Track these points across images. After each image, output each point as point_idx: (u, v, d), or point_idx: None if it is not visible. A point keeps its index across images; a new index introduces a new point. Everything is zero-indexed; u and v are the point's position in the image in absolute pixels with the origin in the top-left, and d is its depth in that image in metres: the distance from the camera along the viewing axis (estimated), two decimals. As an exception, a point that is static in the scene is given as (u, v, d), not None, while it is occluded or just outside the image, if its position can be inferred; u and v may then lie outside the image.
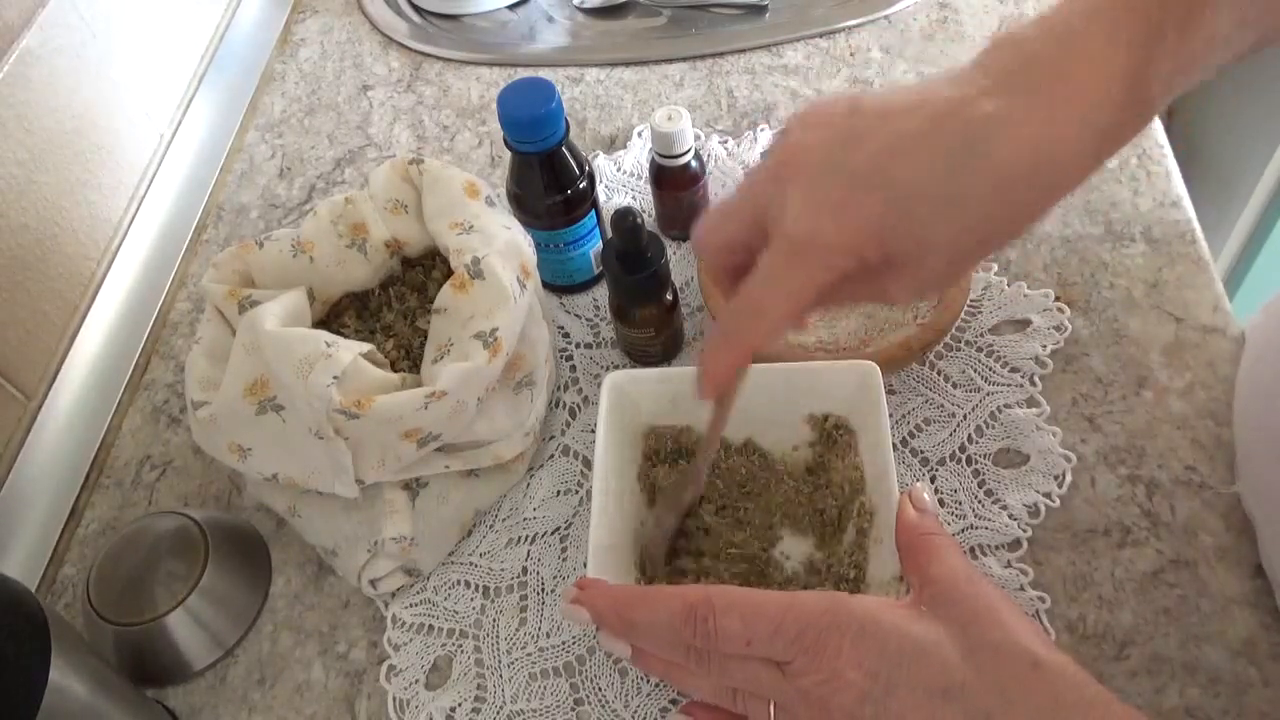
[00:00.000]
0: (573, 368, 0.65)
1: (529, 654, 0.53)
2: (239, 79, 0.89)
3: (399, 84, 0.87)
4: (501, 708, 0.52)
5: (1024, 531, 0.53)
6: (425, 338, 0.56)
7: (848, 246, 0.37)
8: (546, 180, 0.61)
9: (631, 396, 0.54)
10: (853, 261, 0.38)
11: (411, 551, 0.55)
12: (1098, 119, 0.35)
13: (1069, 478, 0.55)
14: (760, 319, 0.40)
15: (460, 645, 0.54)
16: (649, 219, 0.71)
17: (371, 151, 0.82)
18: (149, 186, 0.77)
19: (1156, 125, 0.71)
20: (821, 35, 0.83)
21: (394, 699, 0.53)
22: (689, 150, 0.65)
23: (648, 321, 0.60)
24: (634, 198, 0.74)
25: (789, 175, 0.39)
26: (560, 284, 0.68)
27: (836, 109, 0.39)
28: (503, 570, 0.57)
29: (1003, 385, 0.59)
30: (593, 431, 0.55)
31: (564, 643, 0.53)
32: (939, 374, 0.60)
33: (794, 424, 0.55)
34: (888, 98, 0.38)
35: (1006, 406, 0.58)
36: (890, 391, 0.59)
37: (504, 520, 0.59)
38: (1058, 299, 0.62)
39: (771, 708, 0.39)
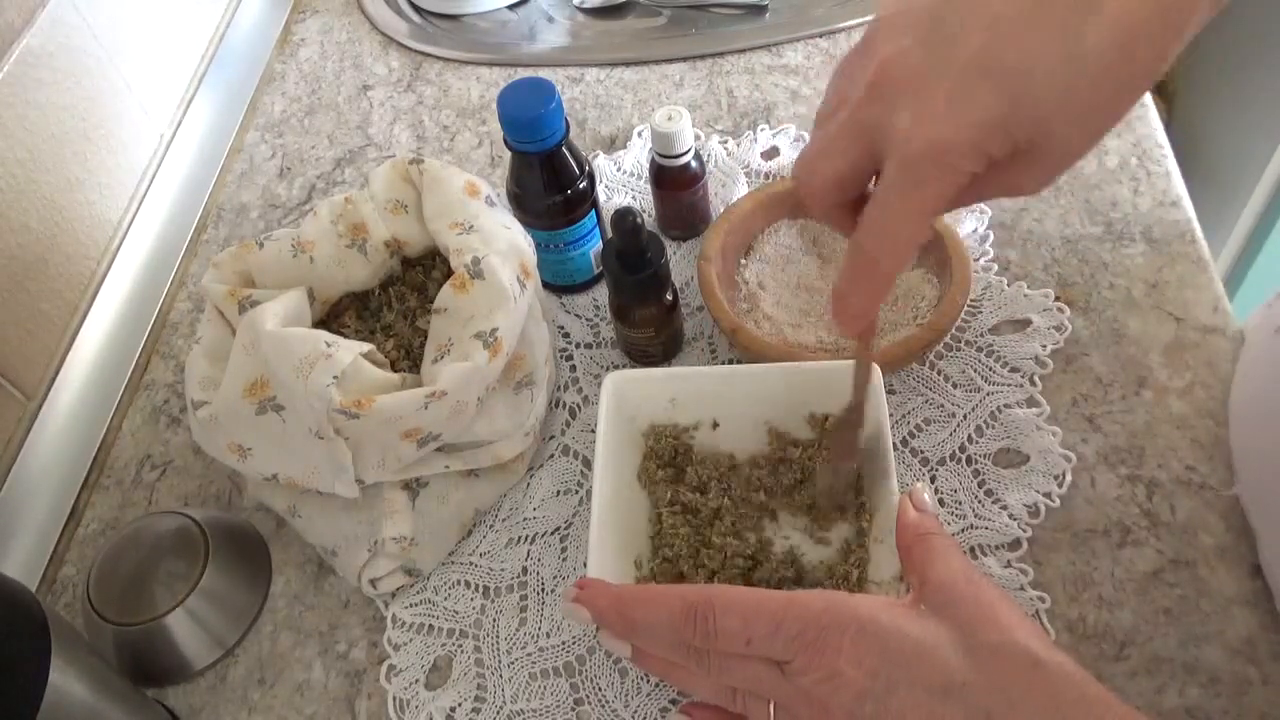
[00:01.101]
0: (573, 368, 0.65)
1: (529, 654, 0.53)
2: (239, 79, 0.89)
3: (399, 84, 0.87)
4: (501, 708, 0.52)
5: (1024, 531, 0.53)
6: (425, 338, 0.56)
7: (972, 146, 0.35)
8: (546, 180, 0.61)
9: (631, 396, 0.54)
10: (980, 162, 0.36)
11: (411, 551, 0.55)
12: None
13: (1069, 478, 0.55)
14: (894, 241, 0.38)
15: (460, 645, 0.54)
16: (649, 219, 0.71)
17: (371, 151, 0.82)
18: (149, 186, 0.77)
19: (1156, 125, 0.71)
20: (821, 35, 0.83)
21: (394, 699, 0.53)
22: (689, 150, 0.65)
23: (648, 321, 0.60)
24: (634, 198, 0.74)
25: (891, 88, 0.36)
26: (560, 284, 0.68)
27: (917, 8, 0.36)
28: (503, 570, 0.57)
29: (1003, 385, 0.59)
30: (593, 431, 0.55)
31: (564, 643, 0.53)
32: (939, 374, 0.60)
33: (793, 424, 0.55)
34: None
35: (1006, 406, 0.58)
36: (890, 391, 0.59)
37: (504, 520, 0.59)
38: (1058, 299, 0.62)
39: (771, 707, 0.39)
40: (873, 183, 0.40)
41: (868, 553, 0.50)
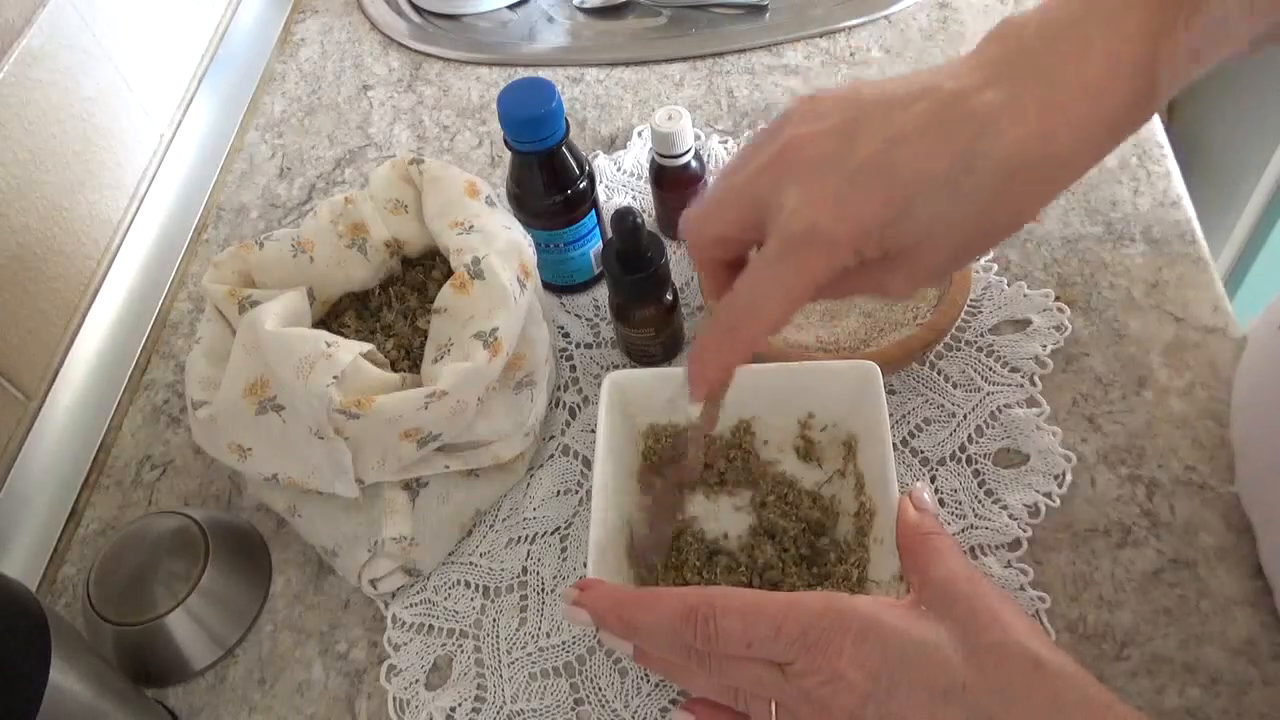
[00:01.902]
0: (573, 368, 0.65)
1: (529, 654, 0.53)
2: (239, 79, 0.89)
3: (399, 84, 0.87)
4: (501, 708, 0.52)
5: (1024, 531, 0.53)
6: (425, 338, 0.56)
7: (848, 241, 0.37)
8: (546, 180, 0.61)
9: (631, 396, 0.54)
10: (852, 257, 0.37)
11: (411, 551, 0.55)
12: (1102, 111, 0.35)
13: (1069, 478, 0.55)
14: (756, 316, 0.39)
15: (460, 645, 0.54)
16: (649, 219, 0.71)
17: (371, 151, 0.82)
18: (149, 186, 0.77)
19: (1156, 125, 0.71)
20: (821, 35, 0.83)
21: (394, 699, 0.53)
22: (689, 150, 0.65)
23: (648, 321, 0.60)
24: (634, 198, 0.74)
25: (787, 169, 0.38)
26: (560, 284, 0.68)
27: (834, 101, 0.38)
28: (503, 570, 0.57)
29: (1003, 385, 0.59)
30: (593, 431, 0.55)
31: (564, 643, 0.53)
32: (939, 374, 0.60)
33: (793, 424, 0.55)
34: (886, 88, 0.38)
35: (1006, 406, 0.58)
36: (890, 391, 0.59)
37: (504, 520, 0.59)
38: (1058, 299, 0.62)
39: (773, 707, 0.39)
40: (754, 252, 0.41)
41: (868, 553, 0.50)
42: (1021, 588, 0.52)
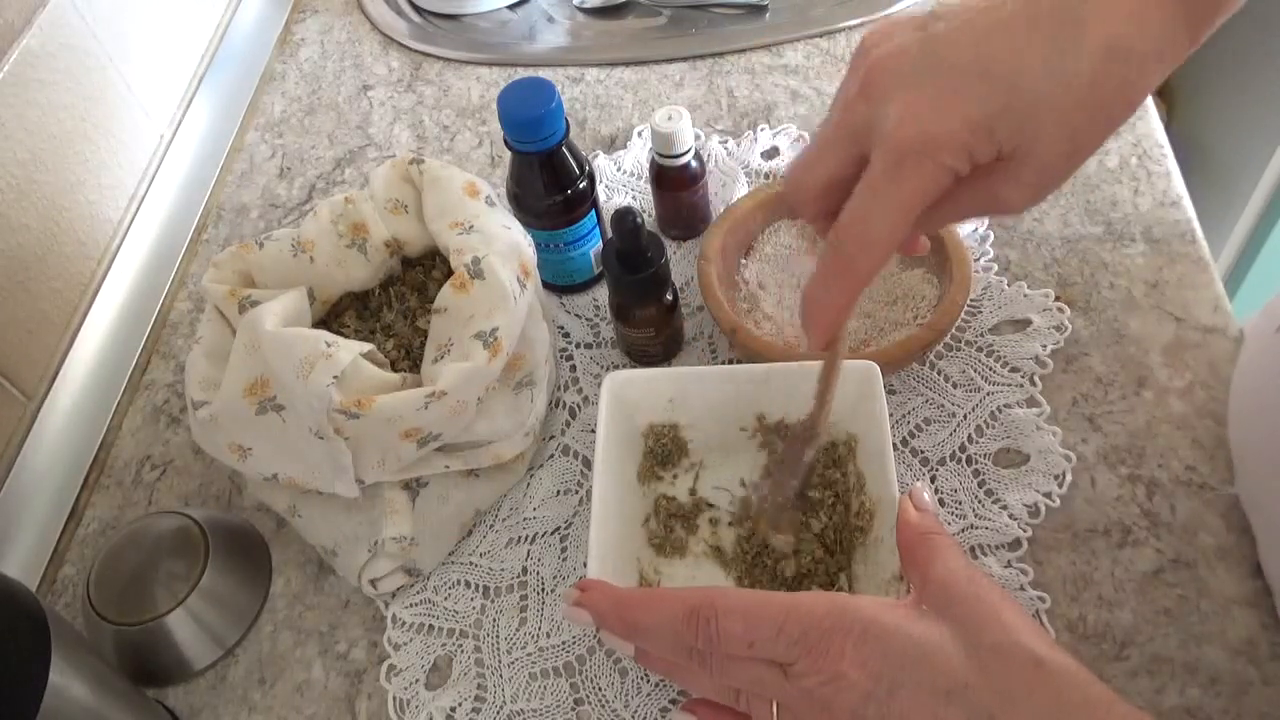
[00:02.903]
0: (573, 368, 0.65)
1: (529, 654, 0.53)
2: (239, 79, 0.89)
3: (399, 84, 0.87)
4: (501, 708, 0.52)
5: (1024, 531, 0.53)
6: (425, 338, 0.56)
7: (958, 141, 0.35)
8: (546, 180, 0.61)
9: (631, 396, 0.54)
10: (964, 159, 0.36)
11: (411, 551, 0.55)
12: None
13: (1069, 478, 0.55)
14: (871, 240, 0.37)
15: (460, 645, 0.54)
16: (649, 219, 0.71)
17: (371, 151, 0.82)
18: (149, 186, 0.77)
19: (1156, 125, 0.71)
20: (821, 35, 0.83)
21: (394, 699, 0.53)
22: (689, 150, 0.65)
23: (648, 321, 0.60)
24: (634, 198, 0.74)
25: (881, 87, 0.37)
26: (560, 284, 0.68)
27: (909, 21, 0.38)
28: (503, 570, 0.57)
29: (1003, 385, 0.59)
30: (593, 431, 0.55)
31: (564, 643, 0.53)
32: (939, 374, 0.60)
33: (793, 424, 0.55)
34: (960, 3, 0.37)
35: (1006, 406, 0.58)
36: (890, 391, 0.59)
37: (504, 520, 0.59)
38: (1058, 299, 0.62)
39: (774, 708, 0.39)
40: None
41: (852, 554, 0.50)
42: (1021, 588, 0.52)
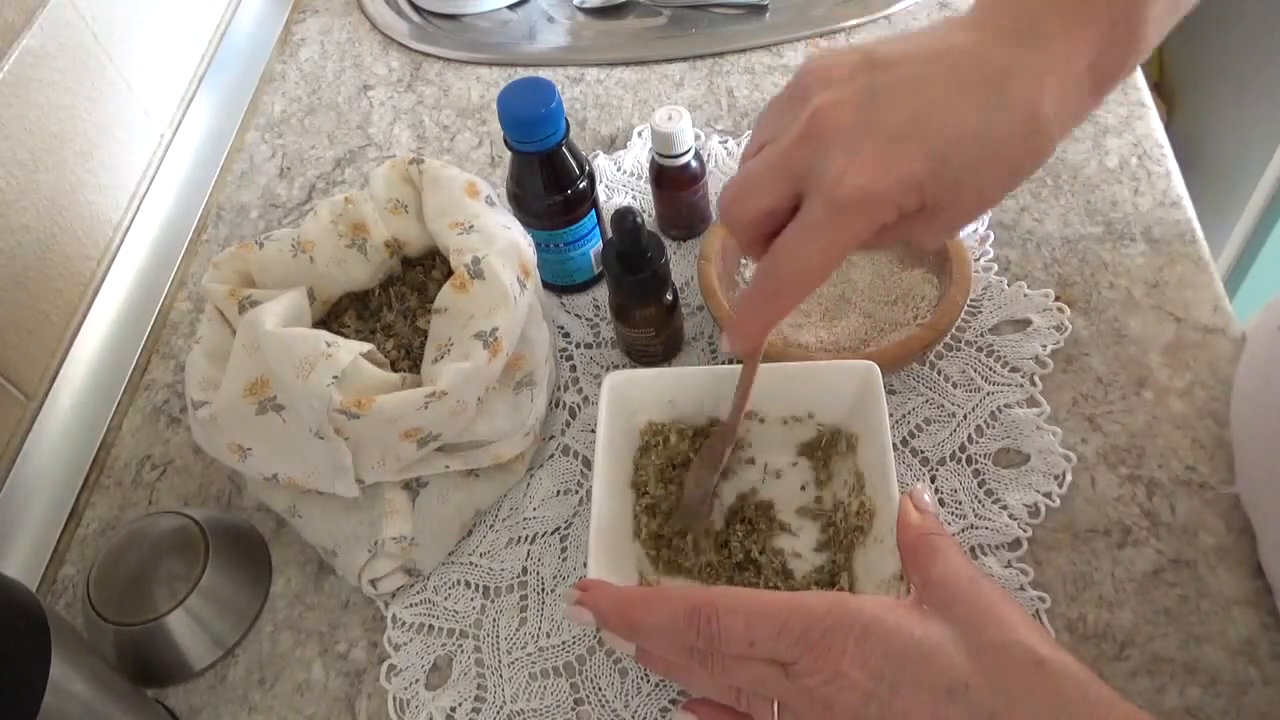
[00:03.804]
0: (573, 368, 0.65)
1: (529, 654, 0.53)
2: (239, 79, 0.89)
3: (399, 84, 0.87)
4: (501, 707, 0.52)
5: (1024, 531, 0.53)
6: (425, 338, 0.56)
7: (892, 198, 0.39)
8: (546, 180, 0.61)
9: (631, 396, 0.54)
10: (894, 213, 0.39)
11: (411, 551, 0.55)
12: (1101, 60, 0.39)
13: (1069, 478, 0.55)
14: (802, 273, 0.41)
15: (460, 645, 0.54)
16: (649, 219, 0.71)
17: (371, 151, 0.82)
18: (149, 186, 0.77)
19: (1156, 125, 0.71)
20: (821, 35, 0.83)
21: (394, 699, 0.53)
22: (689, 150, 0.65)
23: (648, 321, 0.60)
24: (634, 198, 0.74)
25: (824, 136, 0.39)
26: (560, 284, 0.68)
27: (850, 66, 0.40)
28: (503, 570, 0.57)
29: (1003, 385, 0.59)
30: (593, 431, 0.55)
31: (564, 643, 0.53)
32: (939, 374, 0.60)
33: (794, 424, 0.55)
34: (897, 48, 0.40)
35: (1006, 406, 0.58)
36: (890, 391, 0.59)
37: (504, 520, 0.59)
38: (1058, 299, 0.62)
39: (775, 707, 0.39)
40: None
41: (852, 553, 0.50)
42: (1021, 588, 0.52)
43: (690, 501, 0.53)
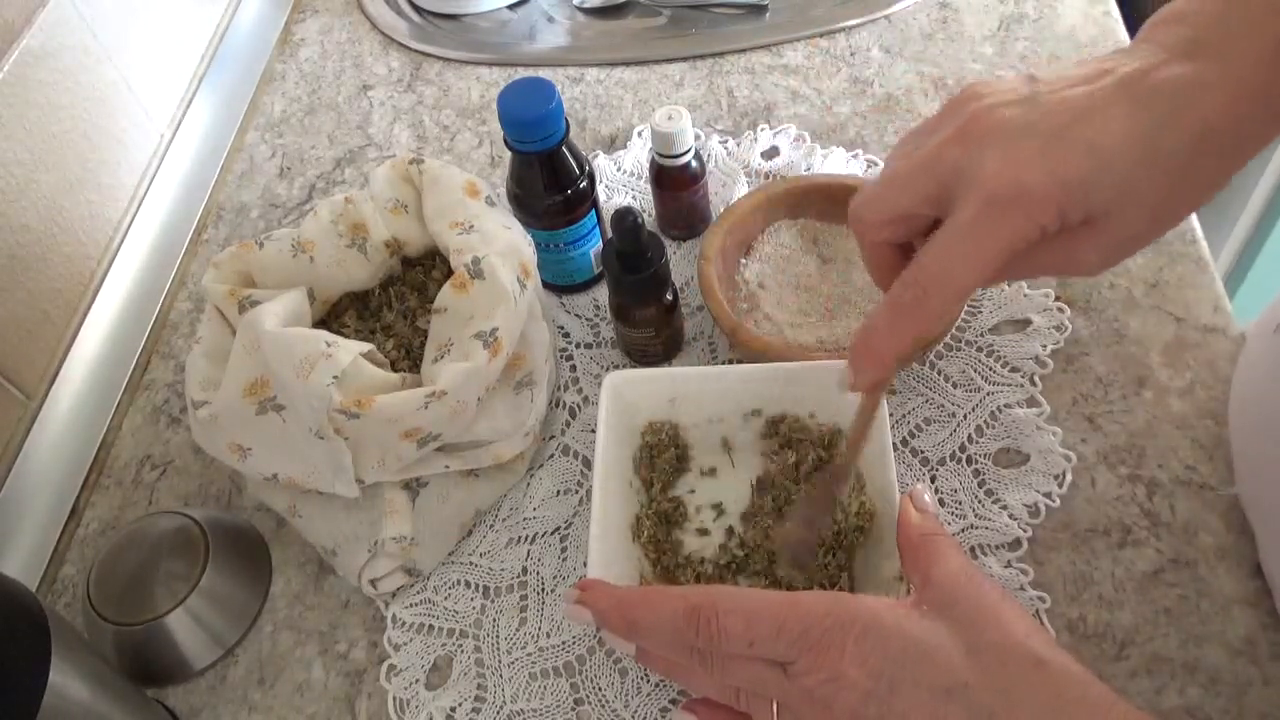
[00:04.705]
0: (573, 368, 0.65)
1: (529, 654, 0.53)
2: (239, 79, 0.89)
3: (399, 84, 0.87)
4: (501, 707, 0.52)
5: (1024, 531, 0.53)
6: (425, 338, 0.56)
7: (1054, 197, 0.36)
8: (546, 180, 0.61)
9: (631, 396, 0.54)
10: (1054, 217, 0.37)
11: (412, 551, 0.55)
12: (1272, 85, 0.36)
13: (1069, 478, 0.55)
14: (949, 284, 0.38)
15: (460, 645, 0.54)
16: (649, 219, 0.71)
17: (371, 151, 0.82)
18: (149, 186, 0.77)
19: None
20: (821, 35, 0.83)
21: (394, 699, 0.53)
22: (689, 150, 0.65)
23: (648, 321, 0.60)
24: (634, 198, 0.74)
25: (981, 136, 0.37)
26: (560, 284, 0.68)
27: (1012, 80, 0.39)
28: (503, 570, 0.57)
29: (1003, 385, 0.59)
30: (593, 431, 0.55)
31: (564, 643, 0.53)
32: (939, 374, 0.60)
33: (793, 425, 0.55)
34: (1063, 73, 0.39)
35: (1006, 406, 0.58)
36: (890, 391, 0.59)
37: (504, 520, 0.59)
38: (1058, 299, 0.62)
39: (775, 707, 0.39)
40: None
41: (851, 554, 0.50)
42: (1021, 588, 0.52)
43: (800, 550, 0.49)
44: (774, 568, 0.51)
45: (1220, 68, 0.36)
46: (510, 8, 0.92)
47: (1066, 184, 0.36)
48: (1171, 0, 0.39)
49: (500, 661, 0.53)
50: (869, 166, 0.73)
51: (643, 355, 0.63)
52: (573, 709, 0.51)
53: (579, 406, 0.63)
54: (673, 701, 0.51)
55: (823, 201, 0.64)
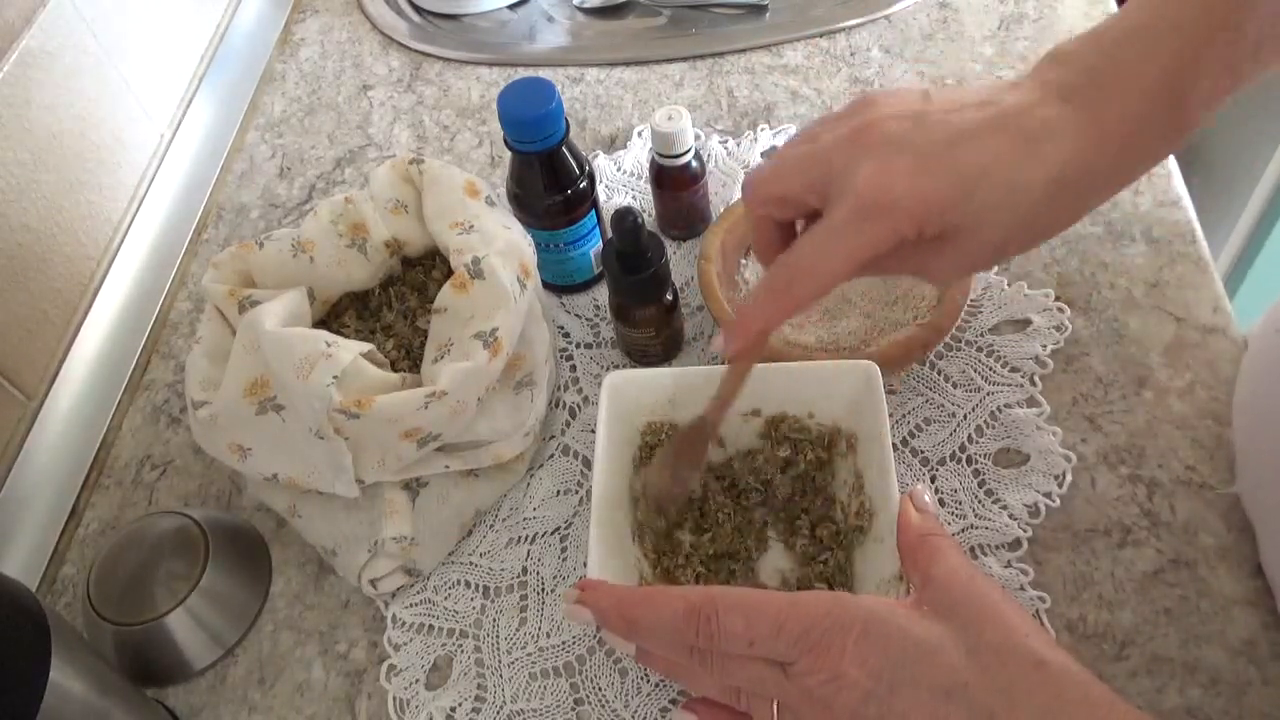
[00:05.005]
0: (573, 368, 0.65)
1: (529, 654, 0.53)
2: (239, 79, 0.89)
3: (399, 84, 0.87)
4: (501, 707, 0.52)
5: (1024, 531, 0.53)
6: (425, 338, 0.56)
7: (915, 212, 0.39)
8: (546, 180, 0.61)
9: (631, 396, 0.54)
10: (913, 229, 0.40)
11: (411, 551, 0.55)
12: (1141, 138, 0.40)
13: (1069, 478, 0.55)
14: (816, 275, 0.41)
15: (460, 645, 0.54)
16: (649, 219, 0.71)
17: (371, 151, 0.82)
18: (149, 186, 0.77)
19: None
20: (821, 35, 0.83)
21: (394, 699, 0.53)
22: (689, 150, 0.65)
23: (648, 321, 0.60)
24: (634, 198, 0.74)
25: (866, 144, 0.41)
26: (560, 284, 0.68)
27: (910, 95, 0.42)
28: (503, 570, 0.57)
29: (1003, 385, 0.59)
30: (593, 431, 0.55)
31: (564, 643, 0.53)
32: (939, 374, 0.60)
33: (793, 424, 0.55)
34: (952, 94, 0.42)
35: (1006, 406, 0.58)
36: (890, 391, 0.59)
37: (504, 520, 0.59)
38: (1058, 299, 0.62)
39: (775, 707, 0.39)
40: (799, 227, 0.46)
41: (851, 553, 0.50)
42: (1021, 588, 0.52)
43: (664, 499, 0.52)
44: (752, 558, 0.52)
45: (1087, 115, 0.39)
46: (510, 8, 0.92)
47: (927, 201, 0.39)
48: (1065, 40, 0.42)
49: (500, 661, 0.53)
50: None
51: (643, 355, 0.63)
52: (573, 709, 0.51)
53: (579, 406, 0.63)
54: (673, 701, 0.51)
55: (823, 201, 0.64)
